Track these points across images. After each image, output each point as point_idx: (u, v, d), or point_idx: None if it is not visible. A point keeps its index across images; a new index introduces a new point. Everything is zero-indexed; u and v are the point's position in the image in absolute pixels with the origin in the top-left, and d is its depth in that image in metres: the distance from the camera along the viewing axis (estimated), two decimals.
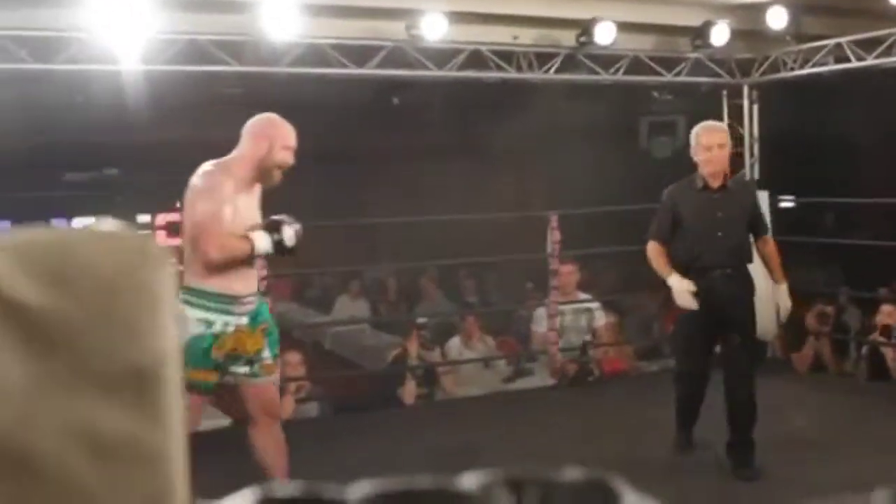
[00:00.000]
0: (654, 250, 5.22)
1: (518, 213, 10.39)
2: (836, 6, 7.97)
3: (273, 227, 4.20)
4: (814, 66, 7.72)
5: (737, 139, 8.52)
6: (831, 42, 7.59)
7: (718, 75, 8.18)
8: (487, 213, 9.77)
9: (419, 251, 10.01)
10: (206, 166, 4.08)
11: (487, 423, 6.42)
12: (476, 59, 7.24)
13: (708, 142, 5.12)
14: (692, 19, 7.71)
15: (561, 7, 7.34)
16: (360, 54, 6.93)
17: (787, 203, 9.45)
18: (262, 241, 4.13)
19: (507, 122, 9.80)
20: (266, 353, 4.30)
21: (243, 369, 4.22)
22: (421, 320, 9.87)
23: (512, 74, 7.32)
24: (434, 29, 6.73)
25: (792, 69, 7.95)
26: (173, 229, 8.64)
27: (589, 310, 7.95)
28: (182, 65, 6.46)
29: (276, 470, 4.31)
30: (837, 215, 11.11)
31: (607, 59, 7.59)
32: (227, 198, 4.03)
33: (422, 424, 6.60)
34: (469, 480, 0.53)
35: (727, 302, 5.11)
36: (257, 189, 4.27)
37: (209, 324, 4.04)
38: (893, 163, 10.24)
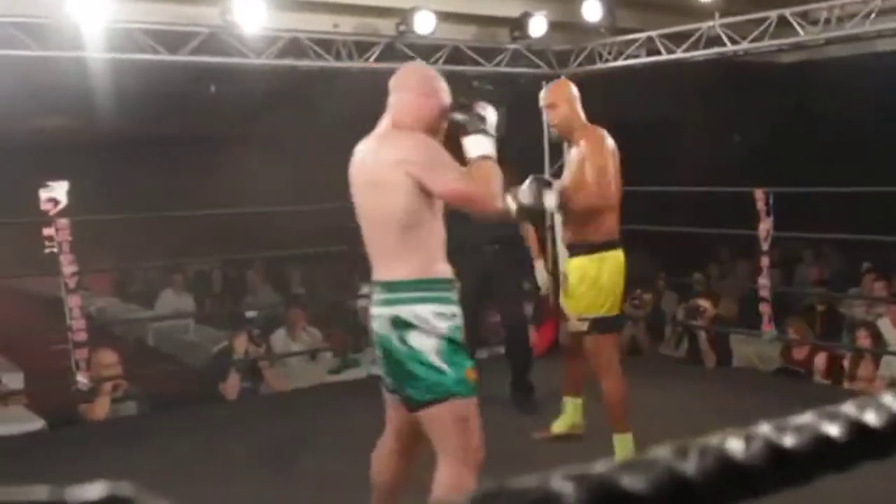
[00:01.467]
0: None
1: (349, 202, 10.32)
2: (647, 1, 8.25)
3: (472, 120, 3.38)
4: (627, 58, 7.96)
5: None
6: (643, 35, 7.83)
7: (537, 66, 8.32)
8: (316, 203, 9.67)
9: (246, 243, 9.85)
10: (390, 138, 3.34)
11: (312, 415, 6.36)
12: (295, 46, 7.13)
13: None
14: (511, 10, 7.82)
15: None
16: (173, 40, 6.71)
17: None
18: (485, 145, 3.35)
19: (331, 111, 9.72)
20: None
21: None
22: (250, 314, 9.72)
23: (331, 63, 7.24)
24: (251, 15, 6.58)
25: (607, 61, 8.16)
26: None
27: None
28: None
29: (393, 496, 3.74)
30: (652, 203, 11.51)
31: (427, 49, 7.60)
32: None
33: (245, 419, 6.48)
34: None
35: None
36: None
37: (451, 316, 3.30)
38: (704, 151, 10.69)
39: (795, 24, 7.03)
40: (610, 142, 4.92)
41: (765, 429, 0.49)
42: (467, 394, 3.26)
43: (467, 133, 3.37)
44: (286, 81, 8.13)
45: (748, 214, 7.21)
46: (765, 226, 7.18)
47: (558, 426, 5.58)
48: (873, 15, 6.58)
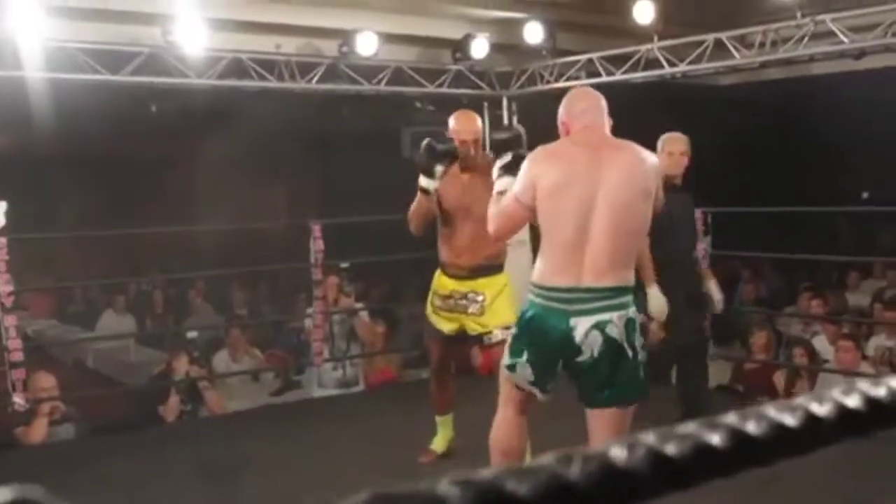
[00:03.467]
0: None
1: (280, 221, 10.32)
2: (587, 23, 8.38)
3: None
4: (568, 79, 8.06)
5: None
6: (584, 57, 7.95)
7: (479, 87, 8.40)
8: (254, 222, 9.65)
9: (187, 263, 9.77)
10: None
11: (254, 437, 6.31)
12: (237, 67, 7.12)
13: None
14: (453, 32, 7.90)
15: (323, 17, 7.35)
16: (114, 60, 6.68)
17: None
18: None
19: (273, 131, 9.71)
20: None
21: None
22: (191, 335, 9.63)
23: (273, 84, 7.24)
24: (193, 35, 6.56)
25: (548, 82, 8.27)
26: None
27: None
28: None
29: None
30: None
31: (370, 70, 7.65)
32: None
33: (185, 441, 6.41)
34: None
35: None
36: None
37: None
38: None
39: (731, 48, 7.18)
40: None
41: (649, 437, 0.52)
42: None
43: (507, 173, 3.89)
44: (227, 101, 8.10)
45: None
46: (702, 245, 7.28)
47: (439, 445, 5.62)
48: (806, 39, 6.74)
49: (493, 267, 5.08)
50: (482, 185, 4.62)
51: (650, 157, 3.63)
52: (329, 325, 7.65)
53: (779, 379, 7.16)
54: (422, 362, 8.84)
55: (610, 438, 3.45)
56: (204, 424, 7.11)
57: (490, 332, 5.06)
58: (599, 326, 3.43)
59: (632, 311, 3.50)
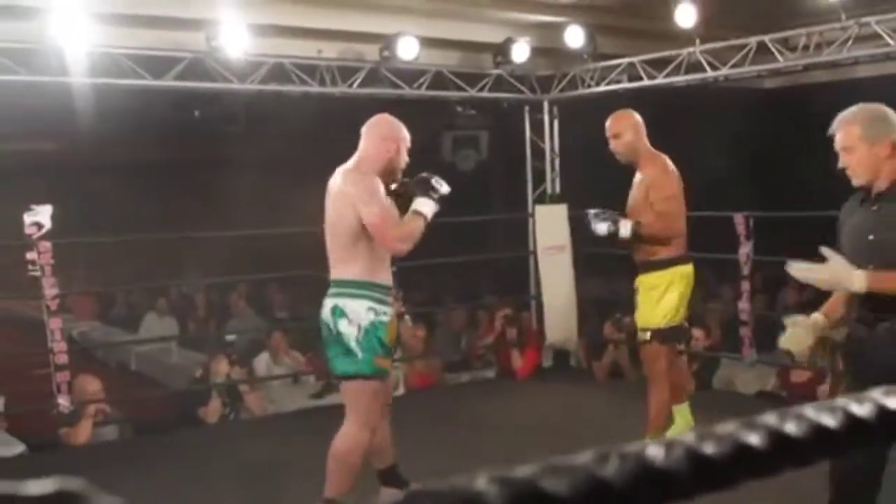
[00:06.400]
0: None
1: (319, 225, 10.35)
2: (628, 27, 8.33)
3: (424, 187, 4.30)
4: (609, 83, 8.02)
5: (538, 154, 8.79)
6: (625, 61, 7.91)
7: (520, 91, 8.38)
8: (297, 226, 9.66)
9: (229, 266, 9.84)
10: (350, 172, 4.23)
11: (294, 440, 6.34)
12: (279, 72, 7.17)
13: None
14: (494, 36, 7.89)
15: (365, 21, 7.37)
16: (157, 65, 6.74)
17: None
18: (427, 206, 4.25)
19: (313, 136, 9.75)
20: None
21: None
22: (229, 338, 9.70)
23: (315, 88, 7.28)
24: (235, 41, 6.62)
25: (589, 86, 8.24)
26: None
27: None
28: None
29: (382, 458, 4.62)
30: None
31: (410, 74, 7.66)
32: (384, 195, 4.23)
33: (226, 443, 6.46)
34: None
35: None
36: None
37: (376, 312, 4.19)
38: (693, 174, 10.72)
39: (775, 51, 7.11)
40: (672, 167, 5.10)
41: (687, 437, 0.51)
42: (372, 376, 4.19)
43: (417, 196, 4.25)
44: (270, 106, 8.16)
45: (730, 239, 7.26)
46: (744, 250, 7.23)
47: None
48: (850, 41, 6.66)
49: (647, 264, 5.13)
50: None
51: (346, 184, 4.21)
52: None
53: (823, 386, 7.07)
54: (462, 366, 8.86)
55: (346, 404, 4.29)
56: (244, 426, 7.16)
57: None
58: (323, 309, 4.29)
59: (340, 301, 4.20)
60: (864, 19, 6.53)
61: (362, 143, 4.33)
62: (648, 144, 5.18)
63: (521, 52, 7.76)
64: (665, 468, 0.48)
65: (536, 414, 7.00)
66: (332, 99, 7.67)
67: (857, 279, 3.17)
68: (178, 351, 10.08)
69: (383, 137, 4.32)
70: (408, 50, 7.20)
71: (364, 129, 4.36)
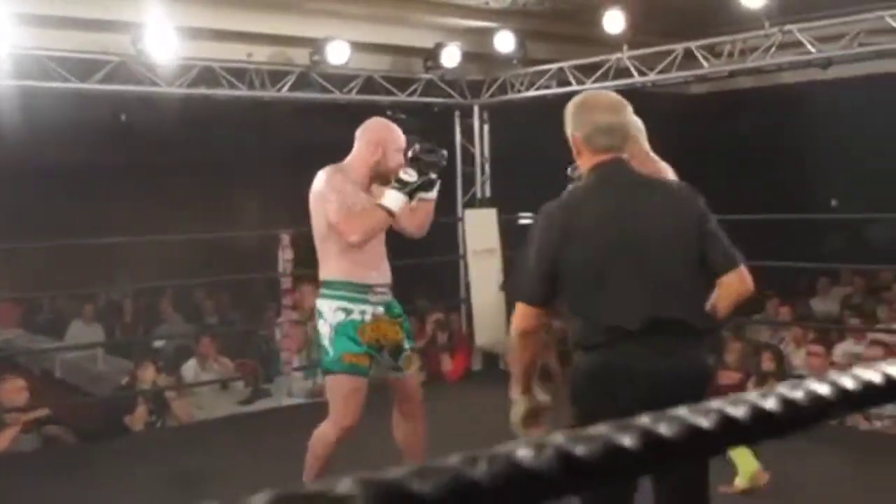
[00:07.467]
0: None
1: (247, 231, 10.29)
2: (558, 33, 8.41)
3: (416, 166, 4.21)
4: (539, 88, 8.09)
5: (469, 158, 8.83)
6: (555, 66, 7.98)
7: (450, 96, 8.42)
8: (224, 231, 9.61)
9: (157, 271, 9.71)
10: (325, 171, 4.25)
11: (221, 446, 6.29)
12: (208, 75, 7.10)
13: None
14: (425, 41, 7.90)
15: (295, 25, 7.34)
16: (84, 68, 6.64)
17: (525, 220, 9.82)
18: (391, 197, 4.15)
19: (246, 140, 9.68)
20: (406, 346, 4.48)
21: (389, 361, 4.43)
22: (158, 344, 9.56)
23: (244, 92, 7.23)
24: (162, 44, 6.53)
25: (519, 91, 8.30)
26: None
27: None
28: None
29: (413, 457, 4.55)
30: None
31: (341, 79, 7.65)
32: (349, 194, 4.19)
33: (151, 451, 6.37)
34: None
35: None
36: (374, 190, 4.37)
37: (348, 311, 4.24)
38: None
39: (700, 57, 7.23)
40: (672, 172, 5.11)
41: (558, 438, 0.52)
42: (341, 372, 4.21)
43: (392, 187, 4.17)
44: (198, 110, 8.07)
45: None
46: None
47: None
48: (774, 48, 6.80)
49: None
50: None
51: (317, 182, 4.24)
52: (305, 335, 7.65)
53: (751, 387, 7.20)
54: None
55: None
56: (171, 434, 7.07)
57: None
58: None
59: (317, 301, 4.35)
60: (786, 27, 6.68)
61: (354, 147, 4.39)
62: (649, 150, 5.08)
63: (451, 56, 7.79)
64: (535, 469, 0.50)
65: (466, 416, 7.01)
66: (263, 103, 7.62)
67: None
68: (104, 358, 9.91)
69: (368, 141, 4.34)
70: (338, 54, 7.18)
71: (357, 133, 4.41)
